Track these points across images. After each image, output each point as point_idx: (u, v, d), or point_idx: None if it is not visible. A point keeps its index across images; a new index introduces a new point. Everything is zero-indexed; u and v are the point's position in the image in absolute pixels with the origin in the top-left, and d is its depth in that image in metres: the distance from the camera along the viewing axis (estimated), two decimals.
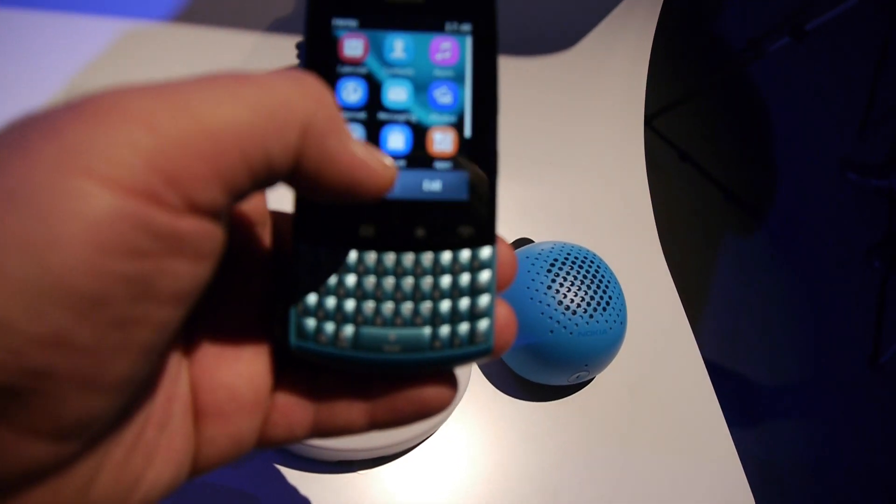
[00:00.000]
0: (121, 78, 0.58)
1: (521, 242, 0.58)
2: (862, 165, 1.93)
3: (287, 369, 0.22)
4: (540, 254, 0.50)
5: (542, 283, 0.48)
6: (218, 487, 0.43)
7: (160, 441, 0.19)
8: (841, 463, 1.50)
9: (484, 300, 0.21)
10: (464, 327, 0.21)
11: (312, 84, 0.18)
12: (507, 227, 0.61)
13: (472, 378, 0.51)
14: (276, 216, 0.24)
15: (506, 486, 0.48)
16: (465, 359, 0.22)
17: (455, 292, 0.21)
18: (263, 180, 0.17)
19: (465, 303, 0.21)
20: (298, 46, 0.19)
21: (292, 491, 0.44)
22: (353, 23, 0.22)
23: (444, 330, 0.21)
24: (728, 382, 1.54)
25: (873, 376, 1.65)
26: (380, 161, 0.19)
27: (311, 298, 0.21)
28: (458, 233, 0.21)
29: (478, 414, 0.51)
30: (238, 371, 0.21)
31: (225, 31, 0.62)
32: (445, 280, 0.21)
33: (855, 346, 1.69)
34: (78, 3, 0.59)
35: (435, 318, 0.21)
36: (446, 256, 0.21)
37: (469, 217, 0.22)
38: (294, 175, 0.18)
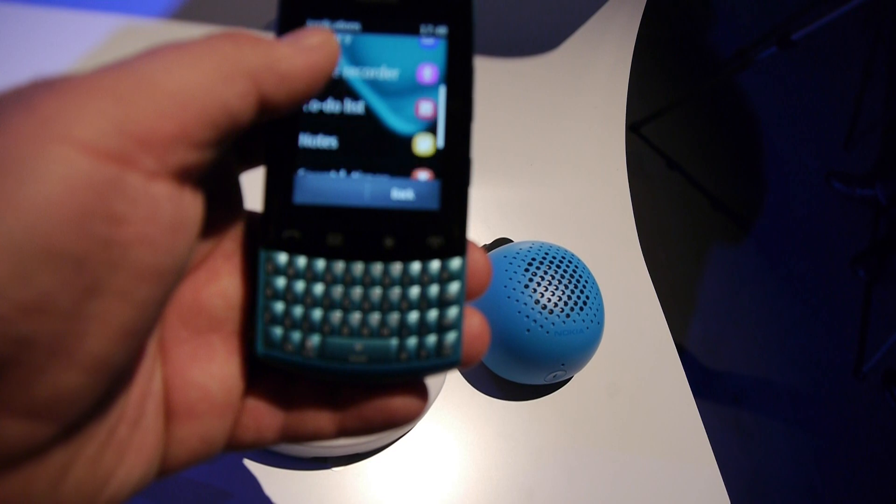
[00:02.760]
0: None
1: (500, 242, 0.58)
2: (847, 175, 1.94)
3: (259, 374, 0.22)
4: (518, 253, 0.50)
5: (519, 282, 0.48)
6: (192, 483, 0.42)
7: (132, 438, 0.19)
8: (825, 470, 1.51)
9: (452, 312, 0.21)
10: (431, 339, 0.21)
11: (242, 34, 0.19)
12: (487, 226, 0.61)
13: (448, 376, 0.51)
14: (252, 216, 0.24)
15: (481, 485, 0.48)
16: (432, 370, 0.21)
17: (423, 304, 0.21)
18: (230, 131, 0.18)
19: (433, 314, 0.21)
20: None
21: (265, 487, 0.44)
22: (325, 24, 0.21)
23: (412, 341, 0.21)
24: (714, 391, 1.55)
25: (857, 385, 1.66)
26: (319, 40, 0.20)
27: (278, 307, 0.21)
28: (427, 243, 0.21)
29: (454, 412, 0.50)
30: (211, 372, 0.21)
31: (221, 28, 0.62)
32: (414, 291, 0.21)
33: (839, 354, 1.70)
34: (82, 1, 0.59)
35: (402, 330, 0.21)
36: (415, 267, 0.21)
37: (440, 227, 0.21)
38: (267, 110, 0.19)
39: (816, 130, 2.08)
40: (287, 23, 0.21)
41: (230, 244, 0.22)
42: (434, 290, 0.21)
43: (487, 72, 0.66)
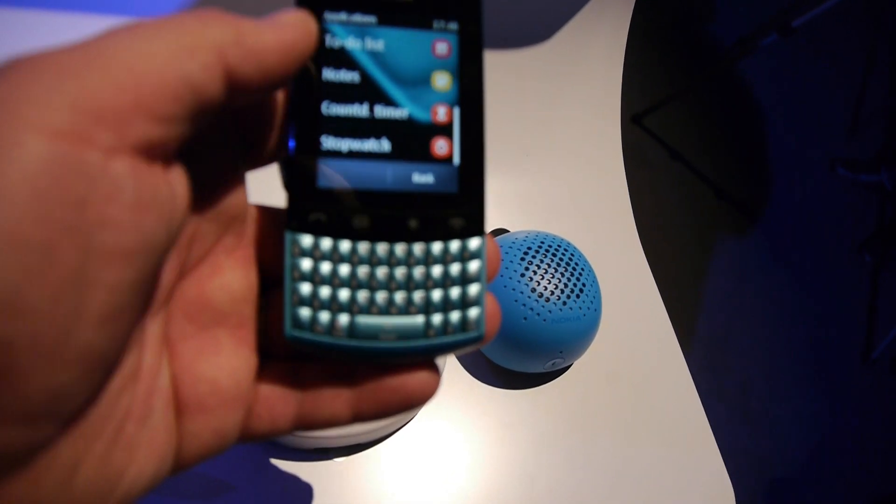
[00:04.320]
0: None
1: (497, 233, 0.58)
2: (852, 161, 1.93)
3: (269, 362, 0.22)
4: (514, 242, 0.50)
5: (515, 270, 0.48)
6: (194, 475, 0.43)
7: (142, 435, 0.19)
8: (834, 458, 1.51)
9: (474, 289, 0.22)
10: (456, 315, 0.22)
11: (212, 12, 0.18)
12: None
13: (447, 366, 0.52)
14: (261, 210, 0.24)
15: (482, 474, 0.48)
16: (458, 346, 0.22)
17: (447, 282, 0.22)
18: (195, 106, 0.17)
19: (456, 292, 0.22)
20: None
21: (268, 478, 0.44)
22: (342, 16, 0.22)
23: (437, 318, 0.22)
24: (721, 380, 1.55)
25: (866, 371, 1.65)
26: (293, 19, 0.20)
27: (306, 288, 0.21)
28: (448, 224, 0.22)
29: (454, 402, 0.51)
30: (219, 365, 0.21)
31: None
32: (437, 270, 0.22)
33: (848, 341, 1.69)
34: (82, 2, 0.60)
35: (428, 307, 0.22)
36: (437, 247, 0.22)
37: (459, 209, 0.22)
38: (236, 88, 0.18)
39: (820, 117, 2.06)
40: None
41: (232, 239, 0.22)
42: (456, 268, 0.22)
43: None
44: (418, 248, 0.22)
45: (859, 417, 1.58)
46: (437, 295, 0.22)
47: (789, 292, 1.74)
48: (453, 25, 0.23)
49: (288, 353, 0.23)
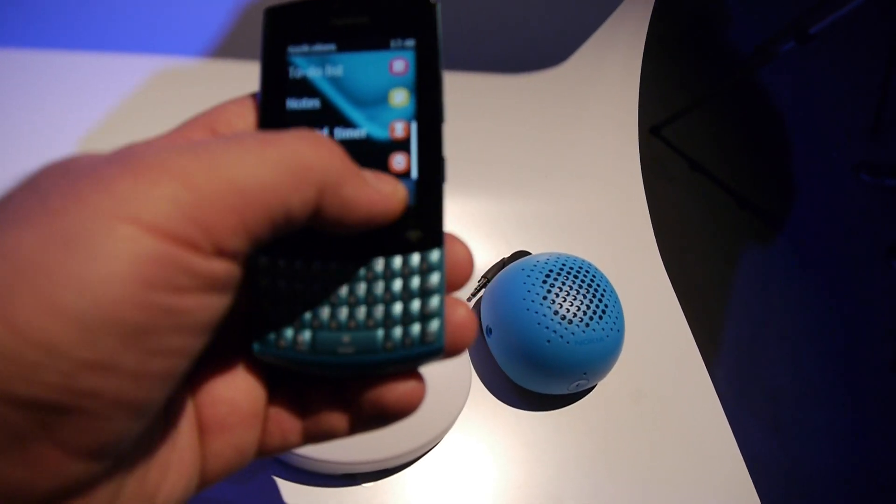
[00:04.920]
0: (157, 114, 0.60)
1: (519, 255, 0.58)
2: (875, 166, 1.91)
3: (277, 382, 0.24)
4: (535, 265, 0.51)
5: (538, 293, 0.49)
6: (223, 502, 0.44)
7: (172, 456, 0.20)
8: (865, 468, 1.48)
9: (434, 301, 0.22)
10: (415, 328, 0.22)
11: (324, 143, 0.20)
12: (505, 239, 0.62)
13: (472, 389, 0.52)
14: None
15: (508, 496, 0.48)
16: (418, 358, 0.22)
17: (405, 294, 0.22)
18: (282, 228, 0.19)
19: (415, 304, 0.22)
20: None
21: None
22: (304, 48, 0.23)
23: (397, 331, 0.22)
24: (750, 391, 1.53)
25: (895, 380, 1.63)
26: (390, 190, 0.21)
27: (271, 307, 0.22)
28: (406, 237, 0.23)
29: (480, 424, 0.51)
30: (236, 385, 0.22)
31: (258, 65, 0.63)
32: (397, 283, 0.22)
33: (876, 349, 1.67)
34: (113, 42, 0.61)
35: (387, 321, 0.22)
36: (397, 261, 0.22)
37: (417, 221, 0.23)
38: (316, 221, 0.20)
39: (841, 123, 2.05)
40: (271, 50, 0.23)
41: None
42: (415, 281, 0.22)
43: (498, 89, 0.67)
44: (378, 262, 0.22)
45: (889, 426, 1.55)
46: (396, 309, 0.22)
47: (816, 301, 1.72)
48: (410, 42, 0.24)
49: (276, 370, 0.24)
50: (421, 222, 0.23)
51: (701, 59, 2.07)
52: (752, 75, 2.05)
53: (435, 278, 0.22)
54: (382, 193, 0.21)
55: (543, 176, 0.68)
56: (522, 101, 0.68)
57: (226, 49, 0.62)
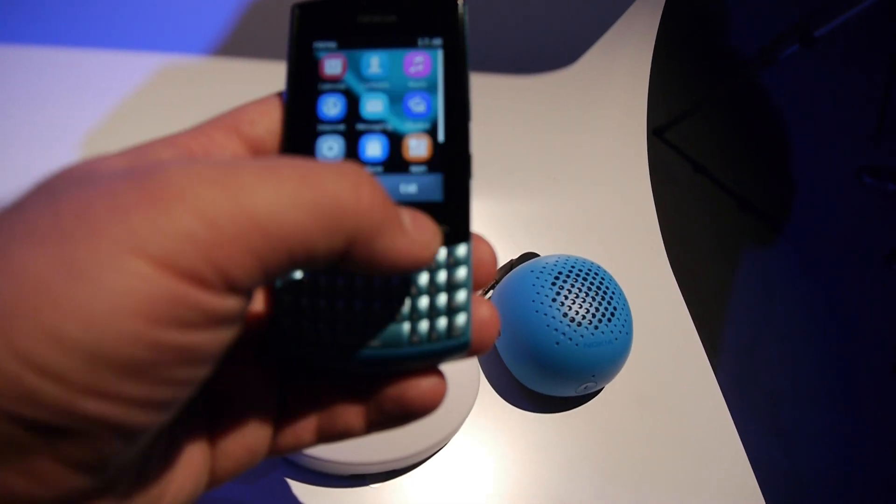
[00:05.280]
0: (160, 112, 0.60)
1: (527, 257, 0.58)
2: (879, 169, 1.91)
3: (291, 380, 0.23)
4: (545, 267, 0.51)
5: (546, 295, 0.49)
6: (232, 501, 0.44)
7: (180, 455, 0.20)
8: (865, 471, 1.48)
9: (461, 295, 0.22)
10: (441, 322, 0.22)
11: (364, 184, 0.18)
12: (514, 241, 0.62)
13: (480, 390, 0.52)
14: None
15: (515, 497, 0.48)
16: (444, 353, 0.22)
17: (432, 289, 0.22)
18: (302, 267, 0.18)
19: (442, 298, 0.22)
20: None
21: None
22: (332, 44, 0.23)
23: (423, 325, 0.22)
24: (750, 394, 1.53)
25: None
26: (426, 239, 0.20)
27: (293, 302, 0.22)
28: None
29: (488, 426, 0.51)
30: (248, 384, 0.22)
31: (262, 62, 0.63)
32: (423, 277, 0.22)
33: (877, 352, 1.67)
34: (117, 40, 0.61)
35: (413, 314, 0.22)
36: None
37: (444, 216, 0.22)
38: (339, 264, 0.19)
39: (844, 126, 2.05)
40: (298, 47, 0.23)
41: None
42: (442, 275, 0.22)
43: (508, 90, 0.67)
44: None
45: (889, 429, 1.56)
46: (422, 302, 0.22)
47: (817, 303, 1.72)
48: (437, 41, 0.24)
49: (304, 371, 0.24)
50: (448, 217, 0.23)
51: (704, 62, 2.07)
52: (756, 78, 2.05)
53: (462, 273, 0.22)
54: (417, 244, 0.20)
55: (551, 178, 0.68)
56: (531, 102, 0.68)
57: (230, 47, 0.62)
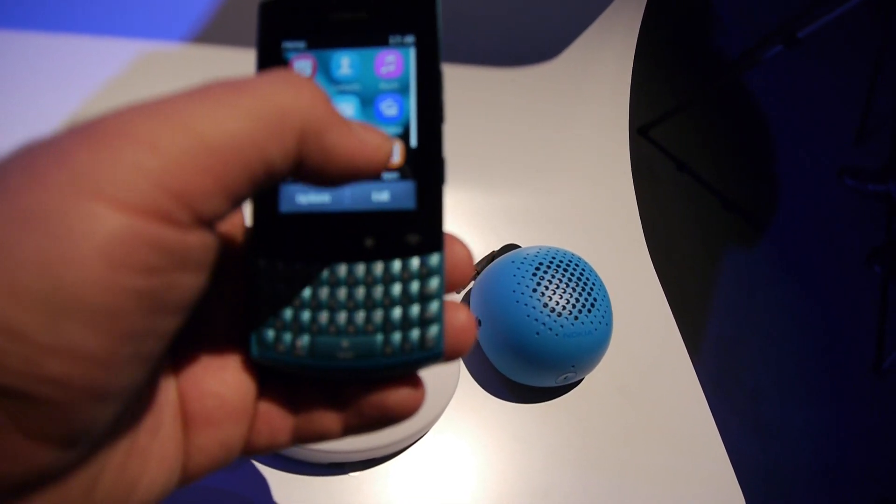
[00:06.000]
0: (139, 99, 0.59)
1: (508, 248, 0.59)
2: (859, 170, 1.93)
3: (268, 379, 0.23)
4: (525, 258, 0.51)
5: (527, 286, 0.49)
6: (211, 490, 0.43)
7: (153, 447, 0.20)
8: (845, 468, 1.50)
9: (433, 306, 0.22)
10: (414, 333, 0.22)
11: (304, 85, 0.18)
12: (495, 233, 0.62)
13: (460, 380, 0.52)
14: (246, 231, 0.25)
15: (496, 487, 0.48)
16: (417, 364, 0.22)
17: (405, 299, 0.22)
18: (264, 183, 0.18)
19: (415, 309, 0.22)
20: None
21: (285, 493, 0.45)
22: (301, 44, 0.23)
23: (396, 336, 0.22)
24: (731, 390, 1.54)
25: (876, 382, 1.65)
26: (377, 142, 0.20)
27: (270, 310, 0.22)
28: (406, 241, 0.22)
29: (467, 416, 0.51)
30: (224, 379, 0.22)
31: (243, 51, 0.63)
32: (396, 288, 0.22)
33: (858, 351, 1.69)
34: (93, 25, 0.60)
35: (386, 325, 0.22)
36: (396, 265, 0.22)
37: (417, 225, 0.22)
38: (297, 172, 0.19)
39: (826, 127, 2.07)
40: (266, 45, 0.23)
41: (230, 260, 0.23)
42: (415, 286, 0.22)
43: (490, 82, 0.67)
44: (377, 266, 0.22)
45: (869, 427, 1.57)
46: (395, 313, 0.22)
47: (798, 302, 1.74)
48: (409, 39, 0.23)
49: (282, 375, 0.23)
50: (420, 226, 0.22)
51: (689, 62, 2.08)
52: (740, 78, 2.06)
53: (434, 283, 0.22)
54: (368, 144, 0.19)
55: (534, 170, 0.68)
56: (513, 94, 0.68)
57: (210, 34, 0.62)
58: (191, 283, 0.17)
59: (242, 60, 0.63)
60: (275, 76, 0.18)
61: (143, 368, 0.17)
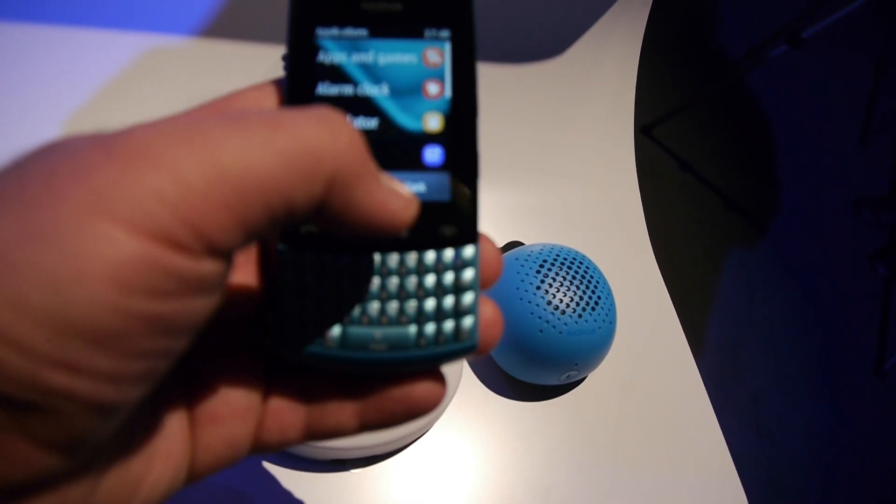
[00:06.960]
0: (145, 94, 0.59)
1: (512, 245, 0.58)
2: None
3: (278, 374, 0.23)
4: (529, 255, 0.51)
5: (531, 283, 0.49)
6: (211, 486, 0.43)
7: (158, 445, 0.19)
8: (846, 470, 1.50)
9: (468, 298, 0.22)
10: (448, 325, 0.21)
11: (342, 129, 0.18)
12: (498, 230, 0.62)
13: (463, 378, 0.52)
14: None
15: (498, 485, 0.48)
16: (451, 356, 0.22)
17: (439, 291, 0.22)
18: (283, 223, 0.17)
19: (449, 301, 0.22)
20: (284, 59, 0.20)
21: (286, 490, 0.44)
22: (334, 32, 0.22)
23: (430, 328, 0.21)
24: (732, 392, 1.54)
25: (877, 384, 1.64)
26: (401, 204, 0.19)
27: (297, 302, 0.21)
28: (441, 233, 0.22)
29: (469, 414, 0.51)
30: (230, 376, 0.21)
31: (250, 45, 0.62)
32: (429, 279, 0.22)
33: (859, 353, 1.68)
34: (101, 18, 0.60)
35: (420, 317, 0.21)
36: (430, 256, 0.22)
37: (452, 217, 0.22)
38: (315, 216, 0.18)
39: (830, 128, 2.06)
40: (298, 31, 0.22)
41: (240, 255, 0.23)
42: (449, 277, 0.22)
43: (497, 78, 0.67)
44: (411, 257, 0.22)
45: (871, 429, 1.57)
46: (429, 304, 0.22)
47: (801, 303, 1.74)
48: (444, 33, 0.23)
49: (294, 366, 0.23)
50: (455, 218, 0.22)
51: (693, 61, 2.08)
52: (744, 78, 2.06)
53: (469, 274, 0.22)
54: (391, 207, 0.19)
55: (537, 167, 0.68)
56: (517, 92, 0.68)
57: (217, 28, 0.62)
58: (201, 306, 0.17)
59: (250, 55, 0.63)
60: (313, 115, 0.18)
61: (150, 384, 0.17)
